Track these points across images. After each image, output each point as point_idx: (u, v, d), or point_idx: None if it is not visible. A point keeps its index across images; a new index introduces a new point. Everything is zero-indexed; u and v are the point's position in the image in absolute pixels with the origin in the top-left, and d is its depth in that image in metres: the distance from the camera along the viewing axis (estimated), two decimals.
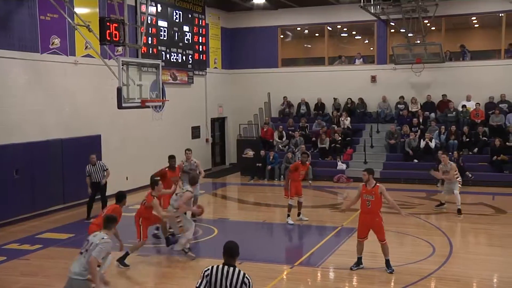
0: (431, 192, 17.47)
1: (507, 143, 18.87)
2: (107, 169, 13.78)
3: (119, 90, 12.08)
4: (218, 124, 23.88)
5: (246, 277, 4.92)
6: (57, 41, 14.69)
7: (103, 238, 6.64)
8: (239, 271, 4.96)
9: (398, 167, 19.81)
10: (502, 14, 21.18)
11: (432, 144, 19.55)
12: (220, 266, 5.02)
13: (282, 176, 20.20)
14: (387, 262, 9.43)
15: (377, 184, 9.42)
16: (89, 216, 13.68)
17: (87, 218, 13.72)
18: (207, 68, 22.31)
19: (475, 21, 22.92)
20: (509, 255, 10.81)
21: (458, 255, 10.45)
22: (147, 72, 13.75)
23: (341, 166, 20.22)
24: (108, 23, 12.11)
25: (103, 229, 6.85)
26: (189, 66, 20.97)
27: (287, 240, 12.68)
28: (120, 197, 9.36)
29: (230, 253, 5.07)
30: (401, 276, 9.26)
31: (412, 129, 20.43)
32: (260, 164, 20.52)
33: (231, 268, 4.98)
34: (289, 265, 9.84)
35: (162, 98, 13.70)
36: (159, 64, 13.65)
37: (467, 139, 19.57)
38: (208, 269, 5.07)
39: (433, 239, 11.61)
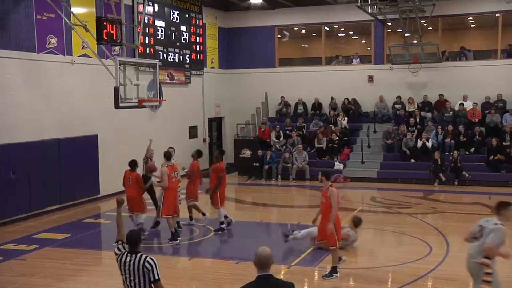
0: (428, 192, 17.49)
1: (503, 143, 18.92)
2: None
3: (116, 90, 12.06)
4: (216, 124, 23.87)
5: (147, 261, 5.27)
6: (53, 40, 14.66)
7: (496, 224, 6.44)
8: (141, 256, 5.31)
9: (395, 167, 19.84)
10: (498, 15, 21.20)
11: (429, 144, 19.58)
12: (128, 254, 5.37)
13: (279, 176, 20.24)
14: (332, 268, 9.16)
15: (330, 187, 9.19)
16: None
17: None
18: (204, 68, 22.30)
19: (472, 21, 22.95)
20: None
21: (454, 255, 10.42)
22: (144, 72, 13.74)
23: (338, 166, 20.23)
24: (105, 23, 12.09)
25: (496, 214, 6.61)
26: (186, 66, 20.95)
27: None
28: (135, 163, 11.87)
29: (130, 242, 5.38)
30: (398, 276, 9.28)
31: (409, 129, 20.45)
32: (257, 164, 20.52)
33: (134, 255, 5.34)
34: (286, 264, 9.83)
35: (159, 98, 13.69)
36: (156, 64, 13.64)
37: (464, 139, 19.61)
38: (119, 254, 5.43)
39: (430, 238, 11.62)
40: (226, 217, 12.57)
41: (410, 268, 9.63)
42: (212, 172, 12.47)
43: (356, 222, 11.17)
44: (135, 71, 12.94)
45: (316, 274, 9.57)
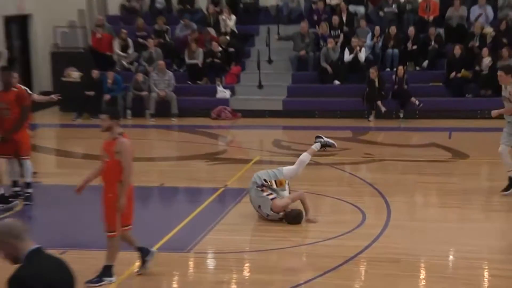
0: (361, 130, 18.16)
1: (470, 50, 19.68)
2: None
3: None
4: (17, 26, 23.09)
5: None
6: None
7: None
8: None
9: (311, 92, 20.40)
10: None
11: (362, 56, 20.17)
12: None
13: (129, 112, 20.12)
14: (104, 269, 8.77)
15: (120, 136, 8.62)
16: None
17: None
18: None
19: None
20: (469, 219, 11.55)
21: (398, 224, 10.96)
22: None
23: (222, 93, 20.42)
24: None
25: None
26: None
27: (141, 212, 12.66)
28: None
29: None
30: (316, 259, 9.62)
31: (332, 32, 20.91)
32: (92, 93, 20.23)
33: None
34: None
35: None
36: None
37: (414, 47, 20.40)
38: None
39: (363, 201, 12.17)
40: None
41: (333, 247, 9.99)
42: (11, 104, 11.70)
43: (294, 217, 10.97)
44: None
45: (190, 263, 9.75)
